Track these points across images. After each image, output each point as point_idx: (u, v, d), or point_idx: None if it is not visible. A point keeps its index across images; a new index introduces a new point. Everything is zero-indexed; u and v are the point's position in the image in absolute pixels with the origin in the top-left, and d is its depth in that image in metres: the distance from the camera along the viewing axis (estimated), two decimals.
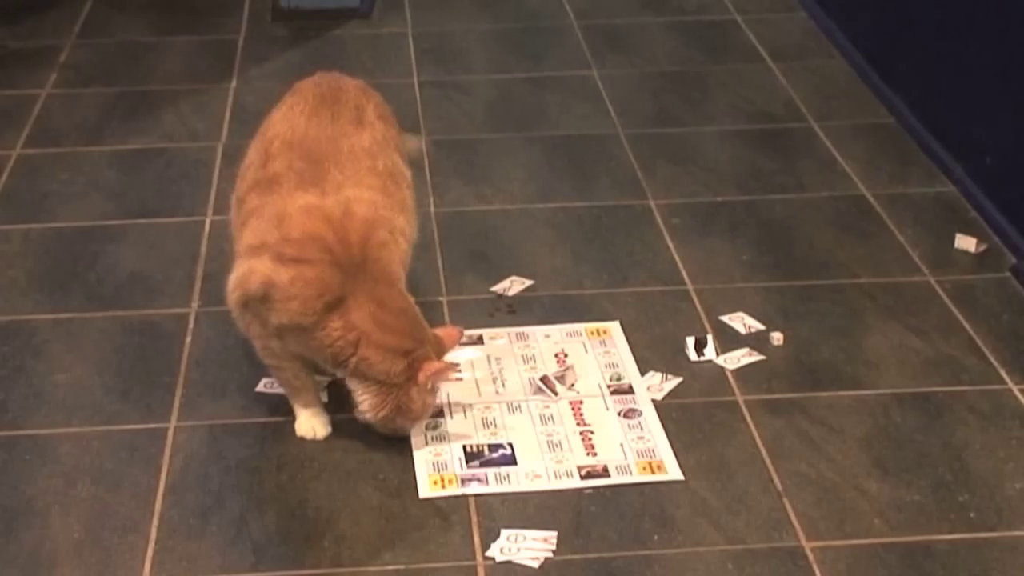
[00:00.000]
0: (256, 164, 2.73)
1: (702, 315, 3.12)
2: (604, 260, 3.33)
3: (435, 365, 2.59)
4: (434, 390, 2.66)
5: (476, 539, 2.48)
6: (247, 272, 2.59)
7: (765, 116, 4.07)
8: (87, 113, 4.10)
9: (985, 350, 2.99)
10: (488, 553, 2.45)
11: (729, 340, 3.03)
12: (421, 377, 2.57)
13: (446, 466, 2.65)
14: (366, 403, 2.61)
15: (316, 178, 2.66)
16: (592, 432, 2.74)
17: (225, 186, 3.36)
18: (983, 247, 3.36)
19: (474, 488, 2.60)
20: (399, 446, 2.71)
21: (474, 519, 2.53)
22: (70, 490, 2.61)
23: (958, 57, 3.67)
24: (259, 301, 2.58)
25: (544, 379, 2.88)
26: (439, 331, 2.69)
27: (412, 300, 2.66)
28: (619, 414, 2.80)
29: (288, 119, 2.77)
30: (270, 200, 2.64)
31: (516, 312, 3.13)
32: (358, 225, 2.61)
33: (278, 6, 4.77)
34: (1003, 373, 2.92)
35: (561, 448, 2.71)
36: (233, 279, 2.64)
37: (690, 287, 3.22)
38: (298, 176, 2.66)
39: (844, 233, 3.45)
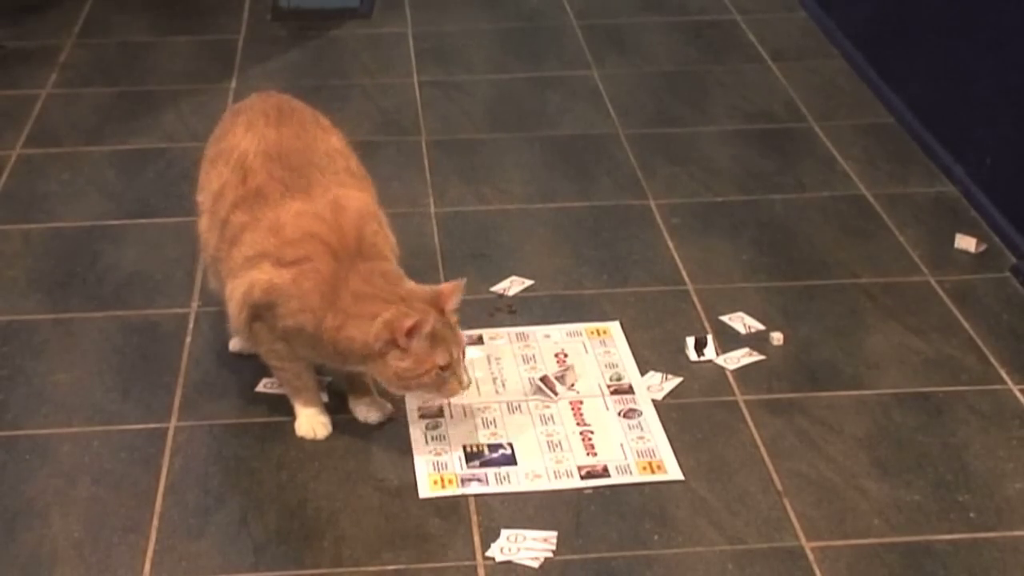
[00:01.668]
0: (233, 182, 2.70)
1: (702, 315, 3.12)
2: (604, 260, 3.33)
3: (407, 322, 2.49)
4: (436, 337, 2.53)
5: (476, 539, 2.48)
6: (248, 288, 2.60)
7: (765, 116, 4.07)
8: (87, 113, 4.10)
9: (985, 350, 2.99)
10: (488, 553, 2.45)
11: (729, 340, 3.03)
12: (400, 340, 2.51)
13: (446, 466, 2.65)
14: (383, 382, 2.60)
15: (302, 184, 2.68)
16: (592, 432, 2.74)
17: None
18: (983, 247, 3.36)
19: (474, 488, 2.60)
20: (399, 446, 2.71)
21: (474, 519, 2.53)
22: (70, 490, 2.61)
23: (958, 57, 3.67)
24: (266, 308, 2.59)
25: (544, 379, 2.87)
26: (442, 285, 2.61)
27: (392, 268, 2.63)
28: (619, 414, 2.80)
29: (254, 134, 2.75)
30: (260, 213, 2.65)
31: (516, 312, 3.14)
32: (352, 216, 2.64)
33: (278, 6, 4.77)
34: (1003, 373, 2.92)
35: (561, 448, 2.71)
36: (235, 302, 2.64)
37: (690, 287, 3.22)
38: (283, 185, 2.67)
39: (844, 233, 3.45)
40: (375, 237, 2.65)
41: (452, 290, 2.59)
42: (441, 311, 2.56)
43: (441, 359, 2.54)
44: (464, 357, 2.61)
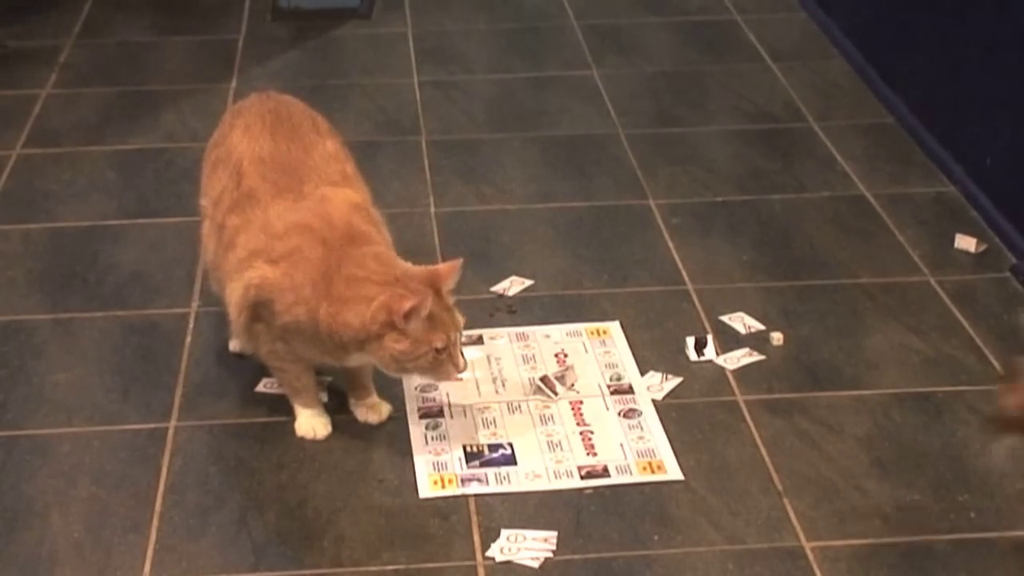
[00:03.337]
0: (230, 187, 2.72)
1: (702, 315, 3.12)
2: (604, 260, 3.33)
3: (405, 304, 2.47)
4: (434, 319, 2.51)
5: (476, 539, 2.48)
6: (244, 289, 2.61)
7: (765, 116, 4.07)
8: (87, 113, 4.10)
9: (985, 350, 2.99)
10: (488, 553, 2.45)
11: (729, 340, 3.03)
12: (397, 322, 2.49)
13: (446, 466, 2.65)
14: (380, 365, 2.58)
15: (292, 184, 2.69)
16: (592, 432, 2.74)
17: None
18: (983, 247, 3.36)
19: (474, 488, 2.60)
20: (399, 446, 2.71)
21: (474, 519, 2.53)
22: (70, 490, 2.61)
23: (958, 57, 3.67)
24: (264, 307, 2.59)
25: (544, 379, 2.87)
26: (439, 265, 2.59)
27: (385, 251, 2.62)
28: (619, 414, 2.80)
29: (250, 139, 2.76)
30: (252, 214, 2.66)
31: (516, 312, 3.13)
32: (339, 206, 2.64)
33: (278, 6, 4.77)
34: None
35: (561, 448, 2.71)
36: (234, 305, 2.65)
37: (690, 287, 3.22)
38: (274, 186, 2.68)
39: (844, 233, 3.45)
40: (365, 225, 2.65)
41: (449, 270, 2.57)
42: (438, 292, 2.54)
43: (438, 341, 2.52)
44: (461, 338, 2.59)
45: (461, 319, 2.59)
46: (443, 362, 2.55)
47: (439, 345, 2.52)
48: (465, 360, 2.60)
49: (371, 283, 2.52)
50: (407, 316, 2.48)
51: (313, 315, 2.54)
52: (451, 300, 2.58)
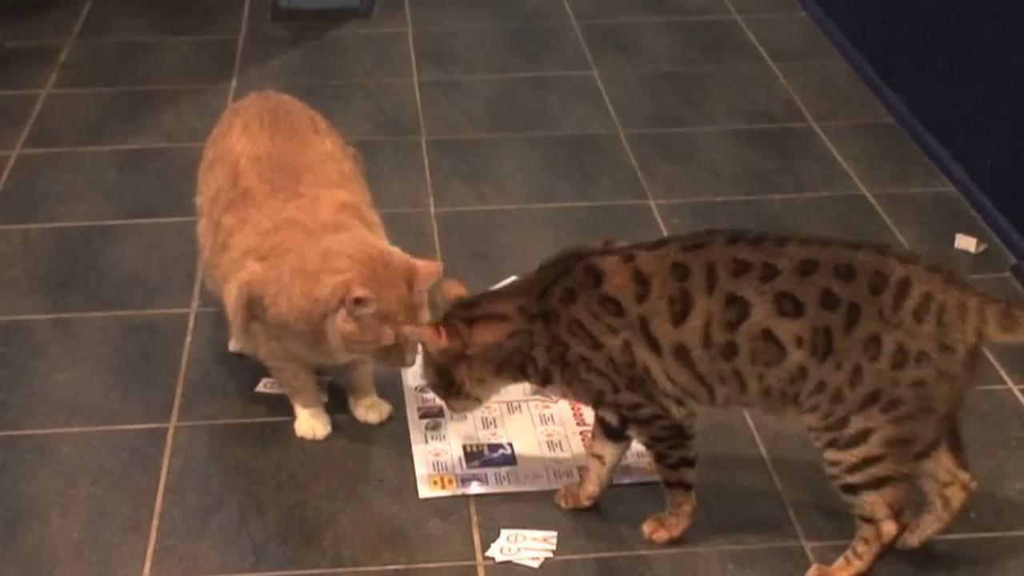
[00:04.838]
0: (226, 186, 2.72)
1: None
2: None
3: (357, 291, 2.43)
4: (387, 318, 2.46)
5: (476, 539, 2.48)
6: (238, 291, 2.61)
7: (765, 116, 4.07)
8: (87, 113, 4.10)
9: (985, 350, 2.98)
10: (488, 553, 2.45)
11: None
12: (347, 304, 2.45)
13: (446, 466, 2.65)
14: (332, 342, 2.53)
15: (288, 184, 2.68)
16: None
17: None
18: (983, 247, 3.36)
19: (474, 488, 2.60)
20: (399, 446, 2.71)
21: (474, 519, 2.53)
22: (70, 490, 2.61)
23: (958, 57, 3.67)
24: (258, 305, 2.59)
25: None
26: (420, 261, 2.55)
27: (365, 233, 2.59)
28: None
29: (248, 138, 2.76)
30: (246, 214, 2.66)
31: None
32: (329, 204, 2.64)
33: (278, 6, 4.77)
34: (1003, 373, 2.92)
35: (561, 448, 2.71)
36: (230, 306, 2.65)
37: None
38: (270, 186, 2.68)
39: (844, 233, 3.44)
40: (351, 221, 2.63)
41: (427, 270, 2.53)
42: (410, 286, 2.51)
43: (386, 339, 2.48)
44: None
45: (426, 318, 2.52)
46: (390, 353, 2.52)
47: (386, 343, 2.49)
48: (414, 357, 2.55)
49: (345, 256, 2.49)
50: (356, 301, 2.44)
51: (291, 302, 2.52)
52: (423, 298, 2.53)
